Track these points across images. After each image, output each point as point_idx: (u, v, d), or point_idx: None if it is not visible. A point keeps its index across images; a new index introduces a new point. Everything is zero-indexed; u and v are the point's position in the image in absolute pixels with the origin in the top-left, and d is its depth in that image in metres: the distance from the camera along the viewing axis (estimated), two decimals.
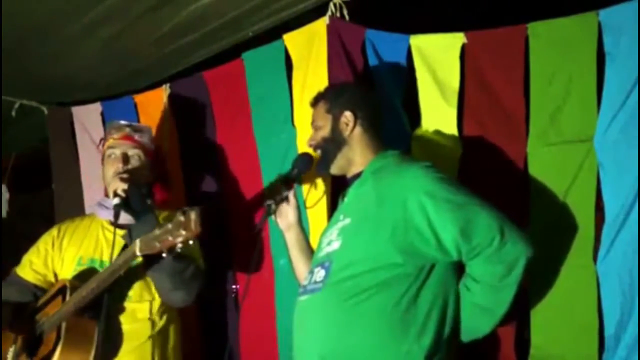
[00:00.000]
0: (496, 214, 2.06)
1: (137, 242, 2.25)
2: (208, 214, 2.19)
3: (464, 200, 2.07)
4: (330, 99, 2.41)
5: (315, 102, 2.46)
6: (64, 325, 2.36)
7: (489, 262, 2.04)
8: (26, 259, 2.69)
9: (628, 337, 2.24)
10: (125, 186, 2.50)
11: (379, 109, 2.45)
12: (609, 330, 2.30)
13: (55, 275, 2.66)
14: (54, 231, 2.74)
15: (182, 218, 2.11)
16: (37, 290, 2.64)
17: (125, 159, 2.65)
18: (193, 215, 2.09)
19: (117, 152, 2.67)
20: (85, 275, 2.53)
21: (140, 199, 2.50)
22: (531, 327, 2.45)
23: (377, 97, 2.53)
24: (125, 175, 2.55)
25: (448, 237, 2.04)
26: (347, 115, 2.35)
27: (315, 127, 2.41)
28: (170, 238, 2.14)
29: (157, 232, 2.18)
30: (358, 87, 2.52)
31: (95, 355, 2.36)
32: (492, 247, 2.02)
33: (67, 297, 2.41)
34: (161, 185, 3.09)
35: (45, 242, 2.71)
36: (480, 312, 2.11)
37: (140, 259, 2.43)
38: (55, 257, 2.67)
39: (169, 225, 2.14)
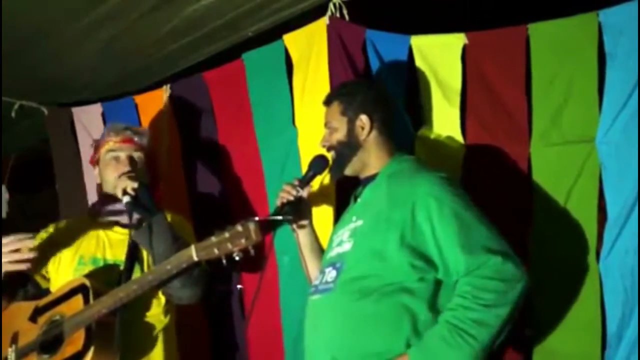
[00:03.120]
0: (500, 239, 2.05)
1: (193, 247, 2.29)
2: (264, 226, 2.29)
3: (470, 218, 2.07)
4: (344, 99, 2.38)
5: (328, 101, 2.44)
6: (94, 326, 2.37)
7: (485, 276, 1.99)
8: None
9: (630, 335, 2.26)
10: (135, 185, 2.55)
11: (392, 110, 2.46)
12: (611, 328, 2.32)
13: (47, 272, 2.67)
14: (50, 229, 2.75)
15: (240, 228, 2.19)
16: (25, 282, 2.65)
17: (132, 162, 2.70)
18: (252, 225, 2.19)
19: (122, 155, 2.70)
20: (98, 275, 2.55)
21: (150, 198, 2.56)
22: (534, 325, 2.47)
23: (389, 97, 2.52)
24: (133, 174, 2.60)
25: (449, 249, 2.04)
26: (363, 119, 2.34)
27: (330, 129, 2.40)
28: (229, 246, 2.21)
29: (213, 239, 2.24)
30: (372, 87, 2.50)
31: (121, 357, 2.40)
32: (488, 266, 1.99)
33: (91, 298, 2.41)
34: (162, 187, 3.13)
35: (41, 239, 2.70)
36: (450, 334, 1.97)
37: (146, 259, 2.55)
38: (51, 256, 2.67)
39: (227, 234, 2.21)
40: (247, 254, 2.22)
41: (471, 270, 2.01)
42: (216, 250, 2.23)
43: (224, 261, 2.23)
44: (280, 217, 2.34)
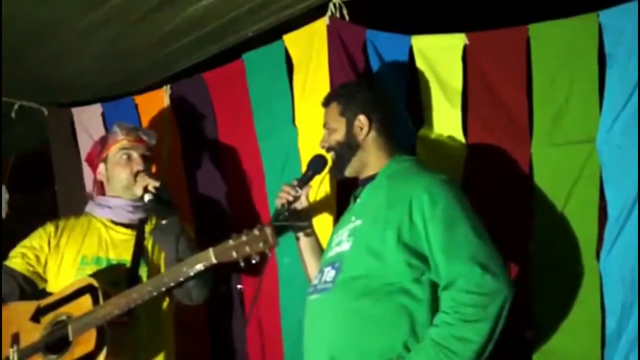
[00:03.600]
0: (486, 250, 2.03)
1: (211, 250, 2.29)
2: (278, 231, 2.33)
3: (461, 223, 2.06)
4: (343, 100, 2.39)
5: (327, 102, 2.44)
6: (107, 326, 2.37)
7: (465, 290, 1.97)
8: (17, 252, 2.69)
9: (629, 334, 2.27)
10: (157, 183, 2.57)
11: (391, 110, 2.46)
12: (610, 327, 2.33)
13: (45, 273, 2.67)
14: (49, 228, 2.74)
15: (257, 232, 2.22)
16: (22, 282, 2.64)
17: (145, 161, 2.73)
18: (269, 230, 2.23)
19: (135, 153, 2.73)
20: (102, 275, 2.54)
21: (169, 196, 2.59)
22: (534, 324, 2.48)
23: (389, 97, 2.53)
24: (150, 173, 2.65)
25: (435, 250, 2.05)
26: (362, 119, 2.34)
27: (329, 129, 2.40)
28: (247, 249, 2.23)
29: (231, 242, 2.25)
30: (370, 87, 2.50)
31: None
32: (468, 280, 1.97)
33: (100, 299, 2.41)
34: None
35: (40, 238, 2.71)
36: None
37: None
38: (51, 256, 2.67)
39: (244, 237, 2.23)
40: (264, 257, 2.25)
41: (450, 280, 2.01)
42: (234, 254, 2.26)
43: (242, 264, 2.25)
44: (299, 224, 2.40)
